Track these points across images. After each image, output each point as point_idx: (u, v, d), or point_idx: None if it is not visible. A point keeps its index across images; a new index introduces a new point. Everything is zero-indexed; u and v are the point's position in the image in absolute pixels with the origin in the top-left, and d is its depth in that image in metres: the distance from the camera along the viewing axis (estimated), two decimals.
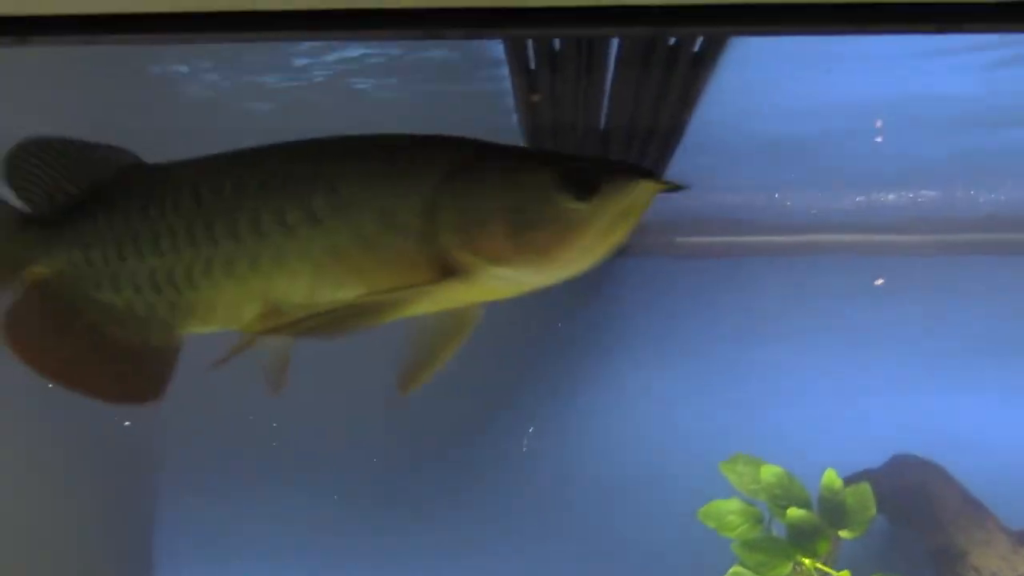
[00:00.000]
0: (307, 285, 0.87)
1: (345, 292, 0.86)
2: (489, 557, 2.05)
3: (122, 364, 0.95)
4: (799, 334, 2.11)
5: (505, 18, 0.78)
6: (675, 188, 0.81)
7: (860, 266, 2.09)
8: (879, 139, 1.74)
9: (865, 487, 1.91)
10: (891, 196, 2.03)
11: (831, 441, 2.14)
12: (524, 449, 2.08)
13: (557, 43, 1.04)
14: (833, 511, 1.85)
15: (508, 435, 2.10)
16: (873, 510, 1.90)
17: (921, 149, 1.83)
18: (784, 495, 1.84)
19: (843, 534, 1.88)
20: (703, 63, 1.11)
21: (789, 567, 1.80)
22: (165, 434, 2.07)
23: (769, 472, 1.85)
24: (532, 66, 1.12)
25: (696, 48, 1.06)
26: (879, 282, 2.07)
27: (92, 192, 0.96)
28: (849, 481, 2.06)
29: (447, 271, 0.84)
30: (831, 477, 1.86)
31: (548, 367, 2.10)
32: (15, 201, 0.98)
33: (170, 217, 0.91)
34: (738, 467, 1.88)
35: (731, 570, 1.80)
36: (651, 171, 0.82)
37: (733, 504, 1.85)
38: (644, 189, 0.80)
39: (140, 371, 0.95)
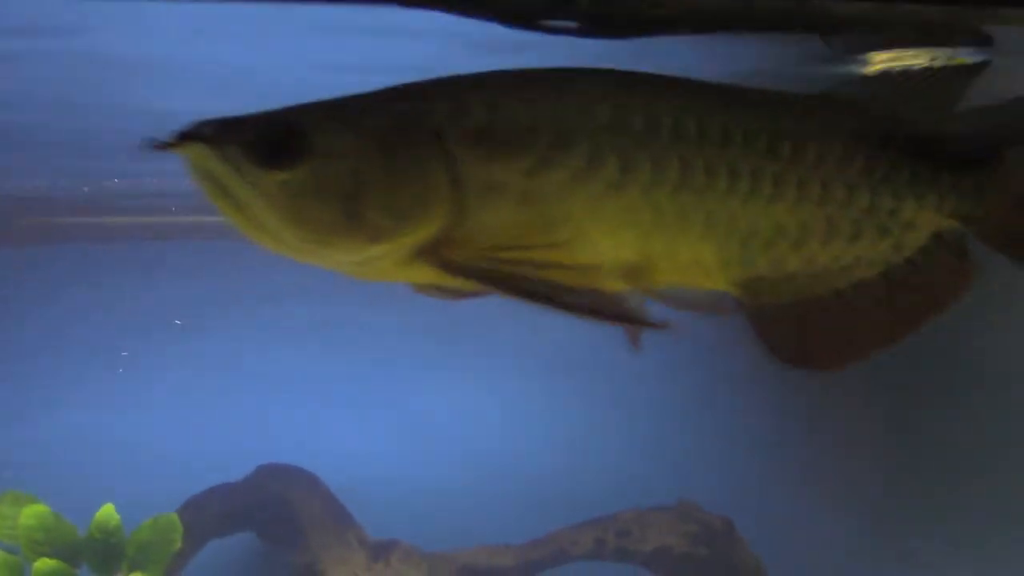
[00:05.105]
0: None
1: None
2: None
3: None
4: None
5: None
6: None
7: None
8: None
9: (170, 519, 1.68)
10: None
11: (185, 455, 1.93)
12: None
13: None
14: (109, 552, 1.61)
15: None
16: (177, 544, 1.67)
17: None
18: (46, 539, 1.58)
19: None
20: None
21: None
22: None
23: (31, 513, 1.58)
24: None
25: None
26: None
27: None
28: (200, 498, 1.86)
29: None
30: (106, 514, 1.61)
31: None
32: None
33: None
34: (2, 509, 1.61)
35: None
36: None
37: None
38: None
39: None
